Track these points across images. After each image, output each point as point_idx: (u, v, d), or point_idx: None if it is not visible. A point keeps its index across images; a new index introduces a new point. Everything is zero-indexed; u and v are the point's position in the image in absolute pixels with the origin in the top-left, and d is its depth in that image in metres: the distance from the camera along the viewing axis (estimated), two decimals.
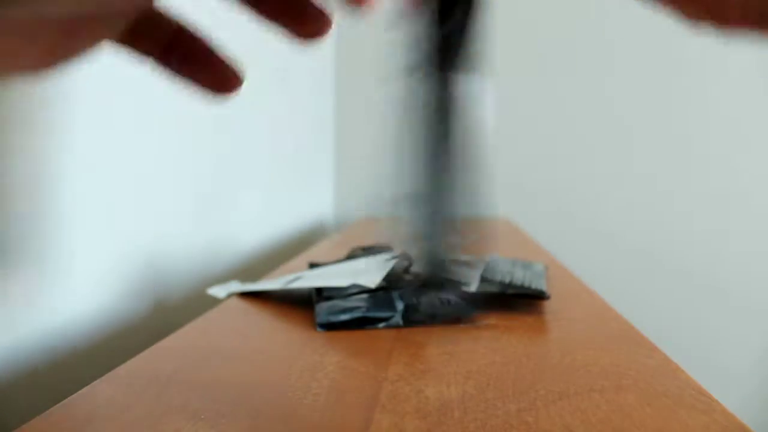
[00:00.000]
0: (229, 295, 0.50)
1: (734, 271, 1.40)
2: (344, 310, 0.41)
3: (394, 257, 0.49)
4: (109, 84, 0.48)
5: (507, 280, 0.48)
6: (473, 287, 0.46)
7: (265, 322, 0.42)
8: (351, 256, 0.61)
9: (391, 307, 0.41)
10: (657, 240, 1.42)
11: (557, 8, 1.40)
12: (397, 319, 0.41)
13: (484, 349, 0.36)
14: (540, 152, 1.44)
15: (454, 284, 0.21)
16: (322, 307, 0.42)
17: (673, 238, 1.41)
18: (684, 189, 1.40)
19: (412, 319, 0.41)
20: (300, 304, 0.46)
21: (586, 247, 1.42)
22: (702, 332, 1.42)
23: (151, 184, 0.55)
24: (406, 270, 0.47)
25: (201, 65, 0.22)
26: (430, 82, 0.19)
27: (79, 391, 0.29)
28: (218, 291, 0.51)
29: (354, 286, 0.44)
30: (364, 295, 0.43)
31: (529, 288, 0.46)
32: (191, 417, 0.26)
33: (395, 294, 0.42)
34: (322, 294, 0.45)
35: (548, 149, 1.43)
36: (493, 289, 0.46)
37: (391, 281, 0.44)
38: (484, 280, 0.47)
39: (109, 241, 0.49)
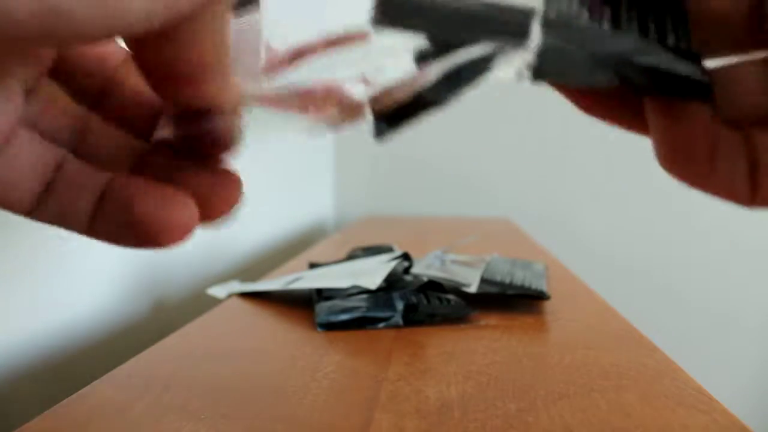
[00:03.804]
0: (229, 295, 0.50)
1: (738, 263, 1.40)
2: (344, 310, 0.41)
3: (394, 257, 0.49)
4: None
5: (507, 280, 0.48)
6: (473, 287, 0.46)
7: (265, 322, 0.42)
8: (351, 256, 0.61)
9: (391, 307, 0.41)
10: (657, 239, 1.42)
11: None
12: (397, 319, 0.41)
13: (484, 349, 0.36)
14: (541, 152, 1.44)
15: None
16: (322, 307, 0.42)
17: (673, 237, 1.41)
18: (682, 189, 1.40)
19: (412, 319, 0.41)
20: (300, 304, 0.46)
21: (587, 247, 1.42)
22: (702, 330, 1.42)
23: None
24: (406, 270, 0.47)
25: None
26: None
27: (79, 391, 0.29)
28: (218, 291, 0.51)
29: (354, 287, 0.44)
30: (364, 295, 0.43)
31: (529, 288, 0.46)
32: (191, 417, 0.26)
33: (395, 294, 0.42)
34: (322, 294, 0.45)
35: (549, 149, 1.43)
36: (494, 289, 0.46)
37: (391, 281, 0.44)
38: (484, 280, 0.47)
39: None
